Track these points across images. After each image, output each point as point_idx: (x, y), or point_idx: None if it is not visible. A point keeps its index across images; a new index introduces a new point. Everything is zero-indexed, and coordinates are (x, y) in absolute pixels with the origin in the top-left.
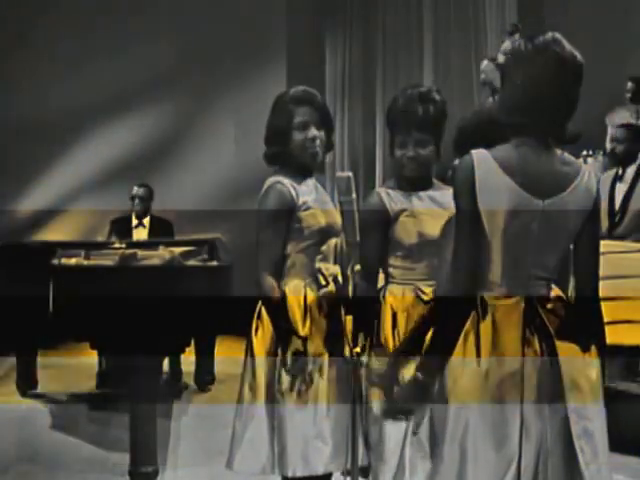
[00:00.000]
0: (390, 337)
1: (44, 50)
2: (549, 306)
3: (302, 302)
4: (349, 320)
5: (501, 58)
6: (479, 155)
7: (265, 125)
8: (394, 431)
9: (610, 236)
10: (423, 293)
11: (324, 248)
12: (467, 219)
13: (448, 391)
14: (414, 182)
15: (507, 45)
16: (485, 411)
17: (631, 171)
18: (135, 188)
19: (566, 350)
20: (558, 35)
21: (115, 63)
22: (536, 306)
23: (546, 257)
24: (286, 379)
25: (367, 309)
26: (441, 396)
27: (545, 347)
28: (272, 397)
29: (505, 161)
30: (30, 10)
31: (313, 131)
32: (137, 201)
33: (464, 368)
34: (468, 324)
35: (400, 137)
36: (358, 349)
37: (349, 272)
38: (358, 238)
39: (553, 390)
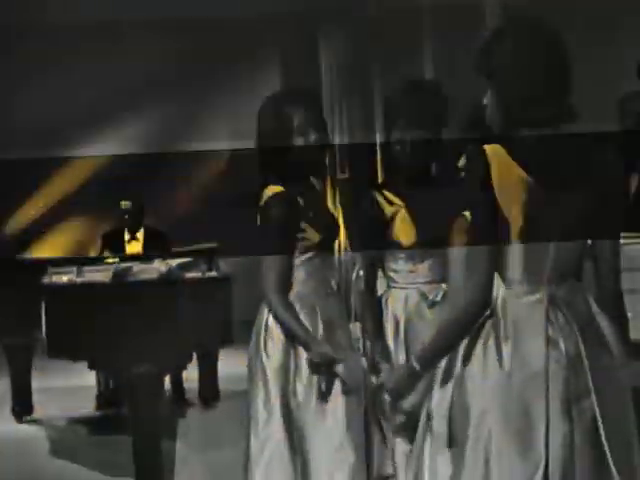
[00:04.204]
0: (392, 345)
1: (30, 60)
2: (571, 303)
3: (310, 312)
4: (357, 327)
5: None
6: (493, 150)
7: (257, 130)
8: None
9: (626, 228)
10: (427, 297)
11: (329, 256)
12: (486, 216)
13: (469, 394)
14: (412, 178)
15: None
16: (509, 414)
17: None
18: (123, 202)
19: (591, 348)
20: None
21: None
22: (559, 303)
23: (567, 252)
24: (301, 391)
25: (372, 316)
26: (462, 399)
27: (569, 345)
28: (288, 412)
29: (520, 153)
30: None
31: (313, 135)
32: (127, 215)
33: (486, 370)
34: (488, 325)
35: (399, 130)
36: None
37: (354, 277)
38: (360, 242)
39: (580, 390)
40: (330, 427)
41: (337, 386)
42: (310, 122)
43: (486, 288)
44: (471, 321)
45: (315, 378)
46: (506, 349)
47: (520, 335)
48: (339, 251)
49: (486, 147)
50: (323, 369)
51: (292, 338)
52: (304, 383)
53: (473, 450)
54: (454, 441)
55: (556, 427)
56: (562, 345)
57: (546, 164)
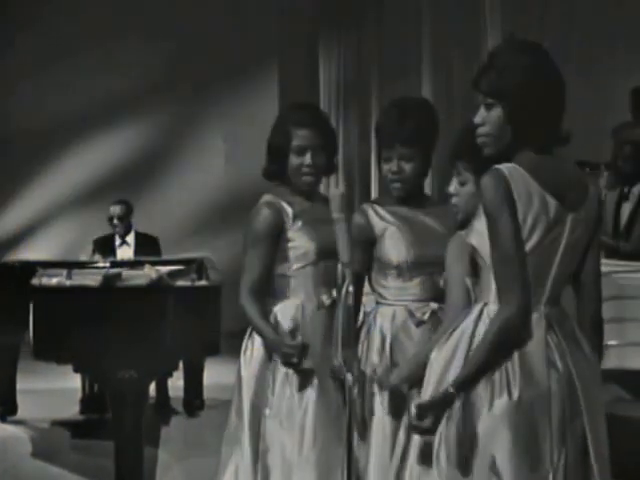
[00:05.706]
0: (377, 360)
1: (26, 64)
2: (562, 325)
3: (296, 323)
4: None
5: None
6: (510, 169)
7: (266, 139)
8: (379, 455)
9: (616, 256)
10: (414, 315)
11: (321, 268)
12: (510, 236)
13: (480, 418)
14: (404, 198)
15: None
16: (518, 433)
17: (637, 190)
18: (112, 207)
19: (580, 370)
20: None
21: (100, 77)
22: (552, 324)
23: (563, 274)
24: (272, 404)
25: (358, 331)
26: (469, 422)
27: (563, 366)
28: (257, 423)
29: (536, 172)
30: (14, 22)
31: (309, 158)
32: (116, 221)
33: (494, 394)
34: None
35: (385, 151)
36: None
37: (343, 292)
38: (350, 257)
39: (573, 411)
40: (295, 443)
41: (310, 402)
42: (310, 144)
43: (520, 303)
44: (506, 339)
45: (287, 393)
46: (512, 370)
47: (524, 354)
48: (334, 264)
49: (502, 167)
50: (295, 360)
51: (264, 342)
52: (276, 397)
53: (479, 474)
54: (459, 463)
55: (555, 447)
56: (559, 365)
57: (560, 182)
